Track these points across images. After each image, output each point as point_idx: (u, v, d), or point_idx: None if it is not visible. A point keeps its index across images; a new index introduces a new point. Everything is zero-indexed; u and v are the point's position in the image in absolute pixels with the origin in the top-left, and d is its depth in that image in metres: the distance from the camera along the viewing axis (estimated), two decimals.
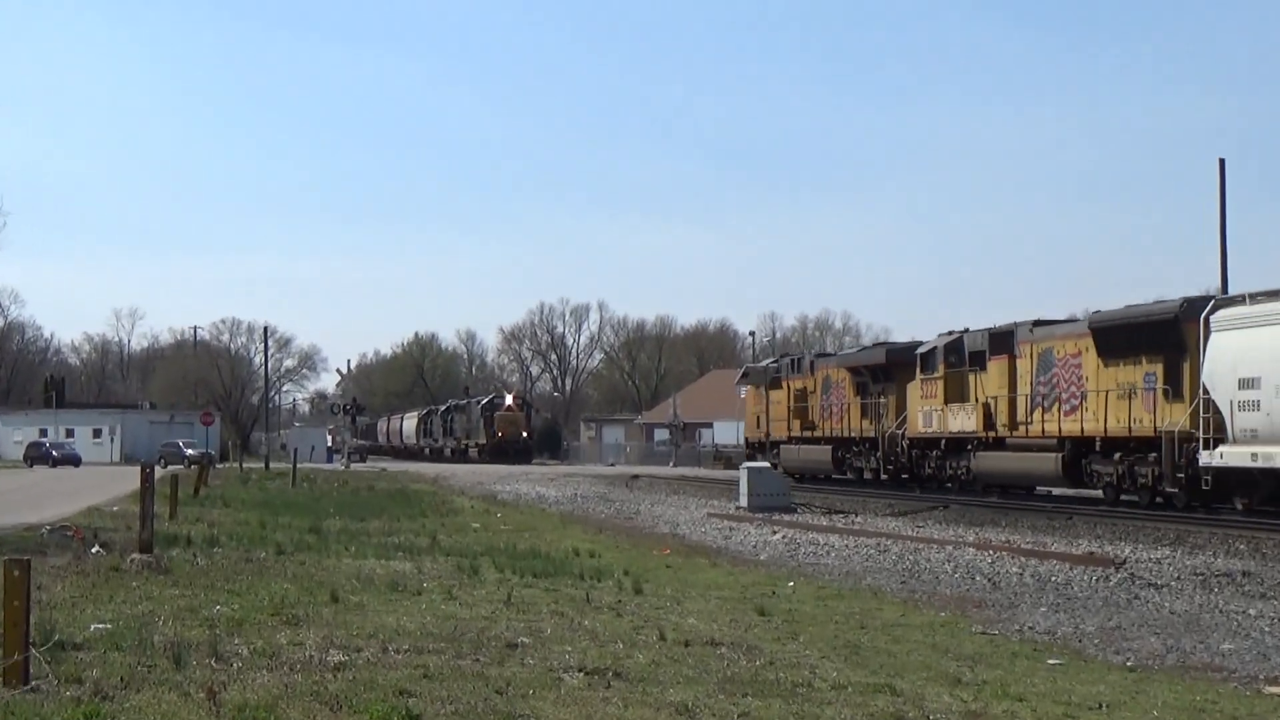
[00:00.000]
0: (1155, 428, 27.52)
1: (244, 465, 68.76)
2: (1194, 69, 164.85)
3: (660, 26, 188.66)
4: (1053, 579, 17.48)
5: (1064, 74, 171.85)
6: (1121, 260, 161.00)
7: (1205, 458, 25.34)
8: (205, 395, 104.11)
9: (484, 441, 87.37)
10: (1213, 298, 27.25)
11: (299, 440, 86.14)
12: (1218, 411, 25.08)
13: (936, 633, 12.86)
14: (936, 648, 11.86)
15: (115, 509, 29.18)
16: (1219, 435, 25.08)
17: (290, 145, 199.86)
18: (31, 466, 74.64)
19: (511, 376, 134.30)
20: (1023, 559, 19.71)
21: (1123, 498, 29.54)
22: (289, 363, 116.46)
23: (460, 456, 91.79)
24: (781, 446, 47.83)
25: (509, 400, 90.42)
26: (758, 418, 51.07)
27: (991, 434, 34.07)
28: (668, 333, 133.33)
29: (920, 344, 38.96)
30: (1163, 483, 27.46)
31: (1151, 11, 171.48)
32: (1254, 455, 24.30)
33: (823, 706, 8.90)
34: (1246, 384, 24.47)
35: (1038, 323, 33.34)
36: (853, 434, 42.63)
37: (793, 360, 49.29)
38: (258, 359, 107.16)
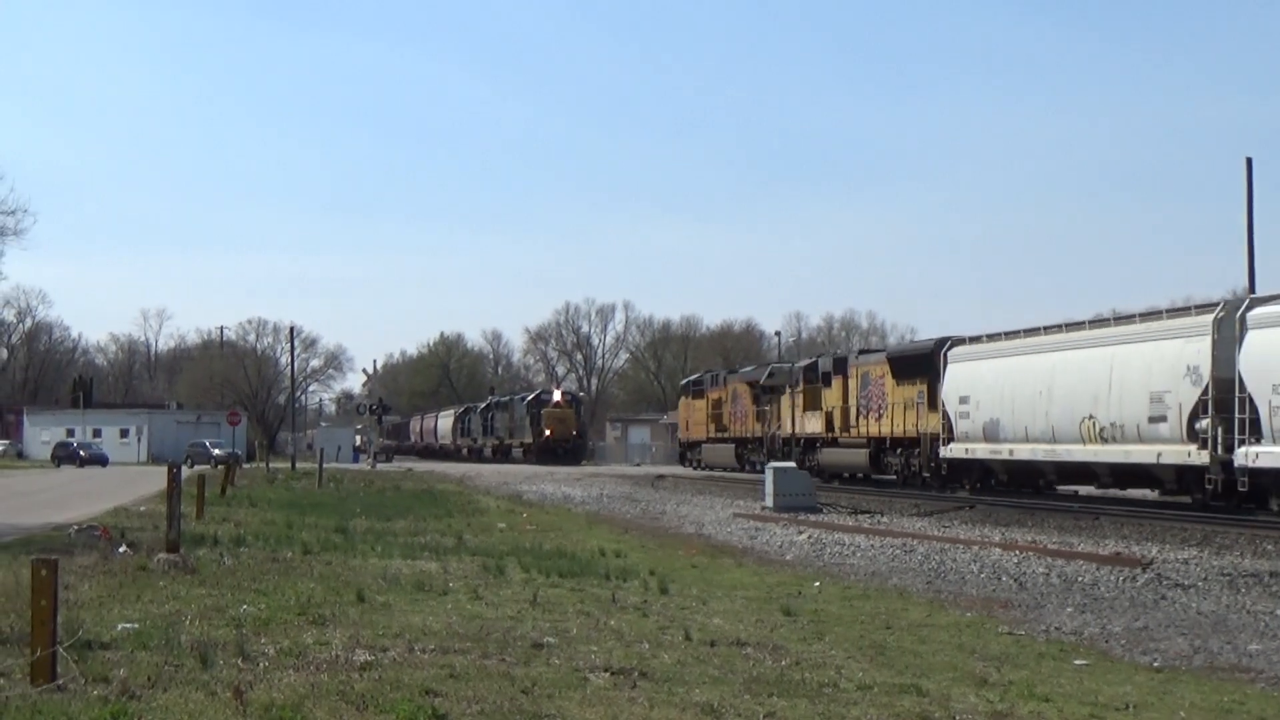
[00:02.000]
0: (919, 430, 38.02)
1: (270, 465, 69.05)
2: (1222, 67, 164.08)
3: (685, 25, 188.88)
4: (1079, 579, 17.41)
5: (1091, 72, 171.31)
6: (1148, 259, 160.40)
7: (943, 452, 36.04)
8: (232, 395, 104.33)
9: (530, 440, 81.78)
10: (950, 338, 37.08)
11: (325, 440, 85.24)
12: (950, 419, 35.47)
13: (963, 633, 12.82)
14: (963, 648, 11.83)
15: (142, 509, 29.35)
16: (951, 436, 35.61)
17: (316, 145, 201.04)
18: (59, 466, 75.16)
19: (537, 376, 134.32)
20: (1049, 559, 19.65)
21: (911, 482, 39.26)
22: (315, 363, 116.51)
23: (503, 456, 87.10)
24: (702, 446, 60.34)
25: (557, 396, 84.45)
26: (686, 422, 63.28)
27: (831, 435, 44.77)
28: (693, 333, 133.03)
29: (796, 363, 50.56)
30: (923, 470, 37.79)
31: (1180, 9, 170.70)
32: (966, 450, 34.91)
33: (848, 707, 8.88)
34: (964, 400, 34.82)
35: (862, 351, 46.68)
36: (749, 435, 54.23)
37: (711, 375, 61.56)
38: (284, 359, 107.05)
